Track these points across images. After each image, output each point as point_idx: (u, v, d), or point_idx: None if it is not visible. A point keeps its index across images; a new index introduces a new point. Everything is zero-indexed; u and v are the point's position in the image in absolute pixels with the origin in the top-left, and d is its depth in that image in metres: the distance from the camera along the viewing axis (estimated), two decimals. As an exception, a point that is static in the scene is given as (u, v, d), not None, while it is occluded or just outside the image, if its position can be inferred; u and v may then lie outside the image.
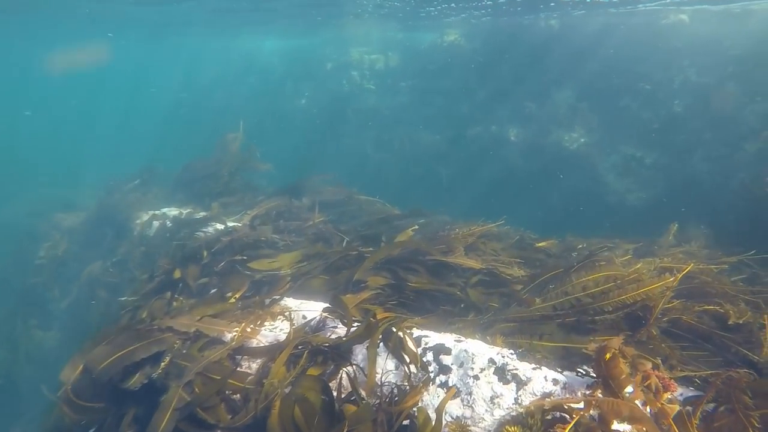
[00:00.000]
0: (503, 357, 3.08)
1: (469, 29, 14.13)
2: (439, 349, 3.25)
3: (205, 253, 5.51)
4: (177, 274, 5.10)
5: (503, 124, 12.57)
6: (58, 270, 7.83)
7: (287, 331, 3.64)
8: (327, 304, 3.99)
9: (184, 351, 3.50)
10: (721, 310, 3.65)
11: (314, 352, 3.32)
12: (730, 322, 3.51)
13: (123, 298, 4.94)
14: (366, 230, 7.01)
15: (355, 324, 3.54)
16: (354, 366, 3.23)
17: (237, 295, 4.40)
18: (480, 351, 3.14)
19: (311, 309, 4.03)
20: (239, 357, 3.42)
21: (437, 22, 14.94)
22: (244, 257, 5.11)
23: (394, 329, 3.36)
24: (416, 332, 3.50)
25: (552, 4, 10.88)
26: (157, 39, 21.56)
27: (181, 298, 4.72)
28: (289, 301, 4.24)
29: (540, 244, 6.69)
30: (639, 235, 10.12)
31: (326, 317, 3.83)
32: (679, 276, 3.49)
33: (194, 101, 21.12)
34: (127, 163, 19.15)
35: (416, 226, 5.33)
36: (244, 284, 4.60)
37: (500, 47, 12.91)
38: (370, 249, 5.25)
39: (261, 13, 14.64)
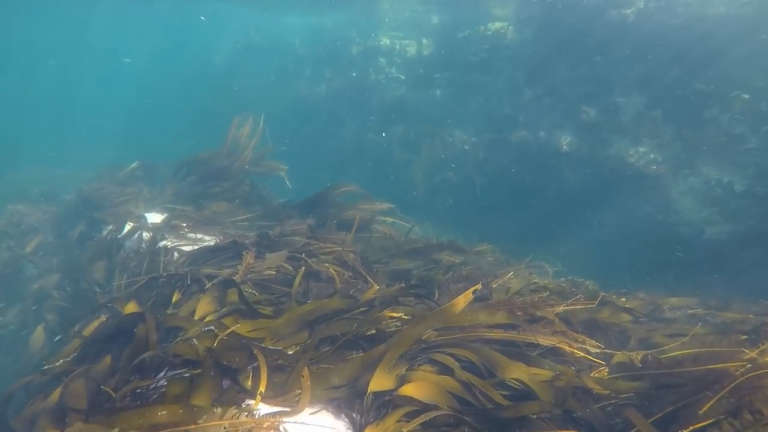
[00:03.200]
0: None
1: (520, 16, 12.22)
2: None
3: (176, 296, 3.91)
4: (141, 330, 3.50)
5: (553, 130, 10.74)
6: (8, 278, 6.33)
7: None
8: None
9: None
10: None
11: None
12: None
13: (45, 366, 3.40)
14: (396, 265, 5.39)
15: None
16: None
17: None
18: None
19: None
20: None
21: (482, 5, 13.09)
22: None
23: None
24: None
25: (627, -10, 9.04)
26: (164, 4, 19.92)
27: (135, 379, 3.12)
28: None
29: (624, 303, 5.00)
30: (716, 276, 8.22)
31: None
32: None
33: (206, 80, 19.54)
34: (125, 147, 17.74)
35: (477, 287, 3.68)
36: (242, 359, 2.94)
37: (557, 39, 11.03)
38: (407, 310, 3.58)
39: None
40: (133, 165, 8.13)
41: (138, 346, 3.09)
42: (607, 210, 9.64)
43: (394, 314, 3.85)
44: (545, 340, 3.60)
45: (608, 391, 3.12)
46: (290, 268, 4.49)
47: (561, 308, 3.89)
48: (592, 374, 3.36)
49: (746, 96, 8.37)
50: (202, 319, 3.61)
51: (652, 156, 9.36)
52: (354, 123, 14.32)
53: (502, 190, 11.46)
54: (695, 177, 8.81)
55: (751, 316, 4.80)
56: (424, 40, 14.46)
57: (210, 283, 3.94)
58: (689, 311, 4.87)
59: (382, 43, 14.75)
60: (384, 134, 13.81)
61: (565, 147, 10.39)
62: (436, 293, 4.57)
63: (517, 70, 11.65)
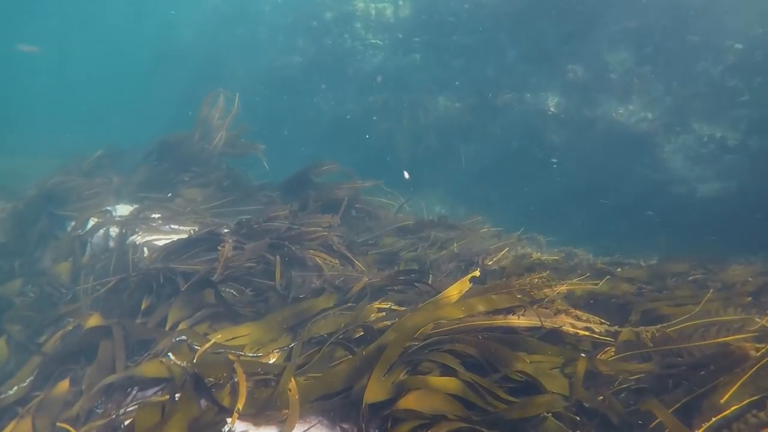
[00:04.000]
0: None
1: (500, -29, 11.56)
2: None
3: (144, 305, 3.55)
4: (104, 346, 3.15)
5: (539, 92, 10.35)
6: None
7: None
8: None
9: None
10: None
11: None
12: None
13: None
14: (384, 246, 5.09)
15: None
16: None
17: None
18: None
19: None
20: None
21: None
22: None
23: None
24: None
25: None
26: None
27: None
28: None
29: (623, 273, 4.81)
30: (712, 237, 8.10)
31: None
32: None
33: (173, 54, 18.49)
34: (97, 132, 16.86)
35: (475, 272, 3.39)
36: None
37: (540, -6, 10.48)
38: (400, 299, 3.29)
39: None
40: (98, 153, 7.56)
41: (102, 366, 2.76)
42: (598, 172, 9.41)
43: (384, 305, 3.57)
44: (548, 323, 3.36)
45: (618, 374, 2.91)
46: (272, 258, 4.15)
47: (564, 287, 3.64)
48: (599, 356, 3.14)
49: (739, 46, 8.04)
50: (175, 326, 3.28)
51: (642, 114, 9.06)
52: (332, 94, 13.71)
53: (488, 157, 11.14)
54: (687, 134, 8.57)
55: (750, 279, 4.64)
56: (401, 2, 13.72)
57: (184, 285, 3.59)
58: (690, 277, 4.69)
59: (357, 6, 13.97)
60: (363, 103, 13.24)
61: (552, 109, 10.03)
62: (429, 277, 4.30)
63: (500, 30, 11.11)
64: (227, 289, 3.77)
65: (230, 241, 4.25)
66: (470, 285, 3.48)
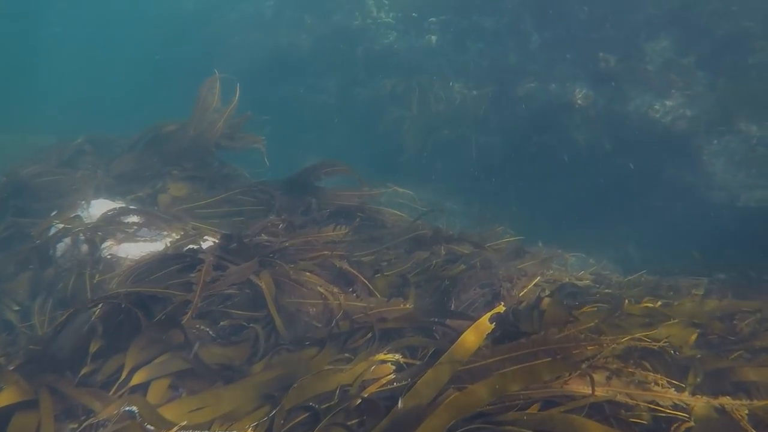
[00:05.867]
0: None
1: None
2: None
3: (94, 348, 2.89)
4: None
5: (566, 82, 9.46)
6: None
7: None
8: None
9: None
10: None
11: None
12: None
13: None
14: (394, 266, 4.44)
15: None
16: None
17: None
18: None
19: None
20: None
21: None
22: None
23: None
24: None
25: None
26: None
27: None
28: None
29: (676, 310, 4.09)
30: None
31: None
32: None
33: (173, 35, 17.55)
34: (93, 114, 16.10)
35: (498, 308, 2.68)
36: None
37: (572, -28, 9.49)
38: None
39: None
40: (78, 140, 6.84)
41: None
42: (627, 174, 8.59)
43: (391, 357, 2.90)
44: (600, 391, 2.67)
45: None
46: (259, 282, 3.46)
47: (623, 341, 2.91)
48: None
49: (801, 37, 7.10)
50: (125, 382, 2.62)
51: (681, 111, 8.18)
52: (339, 76, 12.83)
53: (506, 151, 10.32)
54: (732, 135, 7.70)
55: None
56: (417, -23, 12.69)
57: (146, 322, 2.92)
58: (759, 314, 3.94)
59: (368, -19, 12.96)
60: (372, 87, 12.38)
61: (579, 101, 9.15)
62: (451, 303, 3.64)
63: (525, 11, 10.15)
64: (201, 327, 3.09)
65: (211, 259, 3.55)
66: (492, 326, 2.81)
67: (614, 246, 8.72)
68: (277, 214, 5.28)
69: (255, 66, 13.54)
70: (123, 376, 2.66)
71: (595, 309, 3.47)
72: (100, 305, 3.08)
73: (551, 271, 4.74)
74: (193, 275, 3.17)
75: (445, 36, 11.45)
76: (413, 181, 11.76)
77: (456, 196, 11.17)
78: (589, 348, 2.79)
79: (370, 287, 3.87)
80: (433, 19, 11.65)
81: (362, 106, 12.35)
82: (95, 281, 3.69)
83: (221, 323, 3.20)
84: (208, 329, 3.05)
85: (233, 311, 3.32)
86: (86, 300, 3.39)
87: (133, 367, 2.75)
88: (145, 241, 4.54)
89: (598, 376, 2.72)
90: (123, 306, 3.02)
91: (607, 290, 4.61)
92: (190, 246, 3.65)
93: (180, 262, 3.61)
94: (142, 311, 3.00)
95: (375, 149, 11.89)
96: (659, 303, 3.78)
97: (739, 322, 3.55)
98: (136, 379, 2.63)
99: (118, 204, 5.21)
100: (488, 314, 2.82)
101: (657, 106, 8.36)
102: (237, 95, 6.37)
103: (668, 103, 8.30)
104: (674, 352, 3.20)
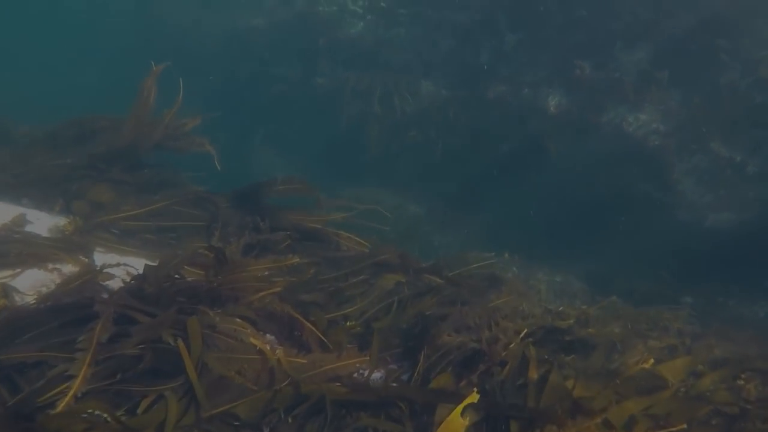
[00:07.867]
0: None
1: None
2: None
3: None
4: None
5: (539, 87, 9.07)
6: None
7: None
8: None
9: None
10: None
11: None
12: None
13: None
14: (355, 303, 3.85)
15: None
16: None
17: None
18: None
19: None
20: None
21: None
22: None
23: None
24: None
25: None
26: None
27: None
28: None
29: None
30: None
31: None
32: None
33: (115, 14, 15.86)
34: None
35: (472, 397, 2.13)
36: None
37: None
38: None
39: None
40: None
41: None
42: (597, 187, 8.33)
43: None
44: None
45: None
46: (172, 341, 2.72)
47: None
48: None
49: (776, 58, 6.99)
50: None
51: (654, 126, 7.97)
52: (299, 65, 11.94)
53: (475, 156, 9.87)
54: (702, 154, 7.56)
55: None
56: (387, -35, 11.93)
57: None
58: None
59: (334, -35, 12.07)
60: (335, 79, 11.59)
61: (552, 109, 8.79)
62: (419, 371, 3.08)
63: (499, 9, 9.66)
64: (93, 411, 2.35)
65: (112, 310, 2.75)
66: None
67: (581, 259, 8.48)
68: (220, 232, 4.54)
69: (208, 51, 12.40)
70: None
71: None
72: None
73: (531, 309, 4.27)
74: (81, 338, 2.41)
75: (415, 30, 10.81)
76: (376, 183, 11.19)
77: (420, 200, 10.66)
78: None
79: (321, 336, 3.23)
80: (402, 10, 10.96)
81: (323, 99, 11.55)
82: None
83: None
84: (106, 416, 2.31)
85: (133, 389, 2.55)
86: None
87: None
88: (48, 270, 3.67)
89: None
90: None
91: (590, 330, 4.22)
92: (85, 296, 2.84)
93: (75, 310, 2.83)
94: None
95: (336, 147, 11.16)
96: (651, 361, 3.36)
97: (743, 383, 3.19)
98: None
99: (20, 210, 4.26)
100: (460, 406, 2.24)
101: (631, 119, 8.12)
102: (181, 92, 5.43)
103: (642, 116, 8.07)
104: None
